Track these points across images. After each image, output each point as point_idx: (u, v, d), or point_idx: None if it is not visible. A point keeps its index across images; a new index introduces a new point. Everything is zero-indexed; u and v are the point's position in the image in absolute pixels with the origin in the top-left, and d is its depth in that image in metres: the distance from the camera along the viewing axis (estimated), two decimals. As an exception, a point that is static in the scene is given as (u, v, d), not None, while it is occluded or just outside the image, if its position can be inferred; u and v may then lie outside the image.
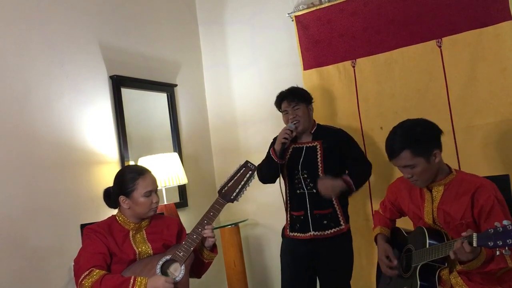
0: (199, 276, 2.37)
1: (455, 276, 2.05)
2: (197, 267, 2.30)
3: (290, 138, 2.67)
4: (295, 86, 2.84)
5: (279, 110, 2.84)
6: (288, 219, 2.77)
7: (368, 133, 3.32)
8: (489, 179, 2.14)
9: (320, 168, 2.68)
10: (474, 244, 1.77)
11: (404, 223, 2.44)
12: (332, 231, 2.66)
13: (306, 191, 2.68)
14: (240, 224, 3.59)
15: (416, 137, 2.04)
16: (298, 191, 2.71)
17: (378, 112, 3.27)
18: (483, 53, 2.94)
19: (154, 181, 2.25)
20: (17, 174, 2.58)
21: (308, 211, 2.66)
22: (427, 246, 2.06)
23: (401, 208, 2.35)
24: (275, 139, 2.78)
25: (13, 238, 2.52)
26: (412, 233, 2.28)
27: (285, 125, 2.74)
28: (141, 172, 2.23)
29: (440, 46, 3.08)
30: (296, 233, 2.72)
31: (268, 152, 2.75)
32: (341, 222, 2.68)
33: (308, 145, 2.75)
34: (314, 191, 2.66)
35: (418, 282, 2.07)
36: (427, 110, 3.01)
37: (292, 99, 2.74)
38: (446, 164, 2.15)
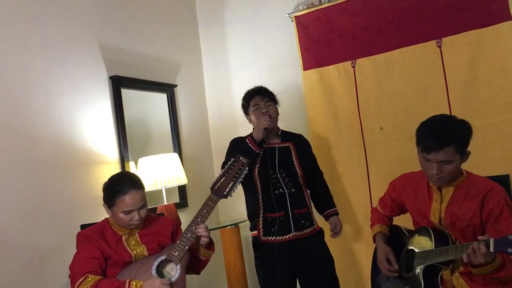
0: (198, 272, 2.36)
1: (457, 277, 2.04)
2: (195, 264, 2.29)
3: (271, 125, 2.63)
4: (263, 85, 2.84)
5: (244, 107, 2.79)
6: (261, 222, 2.65)
7: (368, 133, 3.31)
8: (489, 179, 2.14)
9: (297, 167, 2.69)
10: (491, 249, 1.76)
11: (404, 222, 2.43)
12: (309, 230, 2.67)
13: (286, 191, 2.63)
14: (240, 224, 3.58)
15: (462, 134, 2.01)
16: (276, 191, 2.62)
17: (378, 112, 3.26)
18: (483, 53, 2.94)
19: (137, 200, 2.13)
20: (17, 174, 2.58)
21: (289, 211, 2.62)
22: (433, 247, 2.05)
23: (404, 206, 2.33)
24: (234, 140, 2.76)
25: (13, 238, 2.52)
26: (414, 232, 2.26)
27: (253, 122, 2.71)
28: (126, 190, 2.11)
29: (440, 46, 3.08)
30: (272, 237, 2.61)
31: (243, 147, 2.59)
32: (314, 222, 2.72)
33: (280, 145, 2.73)
34: (293, 190, 2.65)
35: (422, 283, 2.07)
36: (427, 110, 3.00)
37: (265, 95, 2.75)
38: None
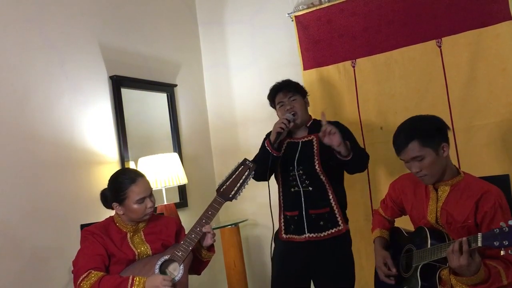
0: (198, 273, 2.37)
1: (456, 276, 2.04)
2: (196, 265, 2.29)
3: (286, 129, 2.49)
4: (288, 79, 2.70)
5: (272, 105, 2.70)
6: (282, 220, 2.61)
7: (368, 133, 3.31)
8: (489, 179, 2.15)
9: (317, 162, 2.51)
10: (479, 243, 1.76)
11: (404, 223, 2.44)
12: (328, 232, 2.49)
13: (301, 189, 2.52)
14: (240, 224, 3.59)
15: (424, 128, 2.06)
16: (292, 189, 2.54)
17: (378, 112, 3.26)
18: (483, 53, 2.94)
19: (147, 187, 2.19)
20: (17, 174, 2.58)
21: (303, 211, 2.51)
22: (429, 246, 2.06)
23: (403, 206, 2.34)
24: (269, 134, 2.61)
25: (13, 238, 2.52)
26: (413, 233, 2.27)
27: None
28: (133, 179, 2.16)
29: (440, 46, 3.08)
30: (291, 235, 2.55)
31: (263, 146, 2.57)
32: (340, 223, 2.51)
33: (304, 140, 2.59)
34: (310, 188, 2.51)
35: (419, 282, 2.07)
36: (427, 110, 2.98)
37: (288, 90, 2.61)
38: (454, 165, 2.15)
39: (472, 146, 2.96)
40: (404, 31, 3.16)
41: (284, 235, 2.59)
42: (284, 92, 2.61)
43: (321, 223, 2.50)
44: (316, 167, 2.52)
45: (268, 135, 2.63)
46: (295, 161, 2.55)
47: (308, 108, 2.70)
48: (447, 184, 2.11)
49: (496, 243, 1.71)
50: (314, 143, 2.56)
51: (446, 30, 3.04)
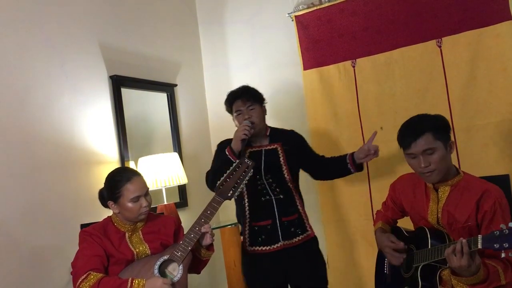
0: (198, 272, 2.36)
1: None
2: (195, 264, 2.29)
3: (249, 135, 2.46)
4: (247, 85, 2.68)
5: (229, 111, 2.66)
6: (248, 232, 2.55)
7: (368, 134, 3.30)
8: (489, 179, 2.14)
9: (285, 171, 2.55)
10: (479, 245, 1.76)
11: (405, 224, 2.44)
12: (300, 238, 2.53)
13: (273, 197, 2.51)
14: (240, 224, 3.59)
15: (436, 122, 2.08)
16: (263, 198, 2.52)
17: (378, 112, 3.26)
18: (483, 53, 2.94)
19: (142, 186, 2.19)
20: (17, 174, 2.58)
21: (277, 219, 2.50)
22: (429, 246, 2.06)
23: (403, 207, 2.34)
24: (220, 144, 2.64)
25: (13, 238, 2.52)
26: (413, 233, 2.27)
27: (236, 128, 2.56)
28: (129, 177, 2.17)
29: (440, 46, 3.08)
30: (259, 247, 2.51)
31: (221, 155, 2.51)
32: (308, 228, 2.57)
33: (267, 148, 2.59)
34: (281, 196, 2.52)
35: (420, 283, 2.07)
36: (427, 110, 2.96)
37: (247, 99, 2.56)
38: (454, 165, 2.14)
39: (472, 146, 2.96)
40: (404, 31, 3.16)
41: (248, 248, 2.55)
42: (242, 100, 2.58)
43: (292, 229, 2.53)
44: (285, 175, 2.56)
45: (220, 145, 2.63)
46: (262, 169, 2.54)
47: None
48: (447, 184, 2.10)
49: (496, 246, 1.71)
50: (280, 152, 2.58)
51: (446, 30, 3.04)
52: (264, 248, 2.51)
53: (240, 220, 2.64)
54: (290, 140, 2.65)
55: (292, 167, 2.58)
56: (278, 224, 2.51)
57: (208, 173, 2.60)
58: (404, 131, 2.11)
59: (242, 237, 2.61)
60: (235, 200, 2.63)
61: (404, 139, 2.09)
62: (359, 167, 2.59)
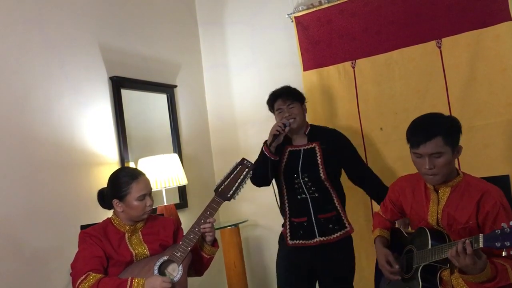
0: (200, 274, 2.36)
1: (457, 277, 2.04)
2: (198, 265, 2.29)
3: (283, 132, 2.54)
4: (288, 85, 2.78)
5: (271, 110, 2.76)
6: (288, 226, 2.66)
7: (368, 134, 3.31)
8: (489, 179, 2.14)
9: (321, 171, 2.60)
10: (481, 244, 1.76)
11: (405, 224, 2.44)
12: (338, 234, 2.60)
13: (308, 196, 2.60)
14: (240, 225, 3.59)
15: (448, 126, 2.04)
16: (299, 197, 2.62)
17: (378, 113, 3.26)
18: (483, 53, 2.94)
19: (147, 184, 2.23)
20: (17, 175, 2.58)
21: (312, 216, 2.59)
22: (429, 246, 2.05)
23: (403, 208, 2.34)
24: (266, 141, 2.67)
25: (13, 239, 2.52)
26: (413, 233, 2.27)
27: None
28: (135, 176, 2.20)
29: (440, 47, 3.08)
30: (299, 241, 2.62)
31: (261, 152, 2.63)
32: (346, 224, 2.63)
33: (305, 148, 2.66)
34: (316, 195, 2.59)
35: (420, 283, 2.06)
36: (427, 111, 2.95)
37: (287, 97, 2.67)
38: (455, 166, 2.14)
39: (472, 146, 2.95)
40: (404, 32, 3.16)
41: (290, 241, 2.64)
42: (283, 99, 2.68)
43: (330, 226, 2.60)
44: (321, 175, 2.61)
45: (266, 142, 2.67)
46: (299, 169, 2.61)
47: (306, 114, 2.77)
48: (447, 185, 2.09)
49: (498, 244, 1.71)
50: (317, 152, 2.64)
51: (446, 30, 3.04)
52: (302, 242, 2.60)
53: (282, 214, 2.71)
54: (329, 139, 2.69)
55: (330, 166, 2.62)
56: (314, 221, 2.58)
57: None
58: (415, 129, 2.08)
59: (283, 230, 2.69)
60: (279, 194, 2.72)
61: (414, 138, 2.06)
62: None
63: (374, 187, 2.72)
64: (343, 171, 2.78)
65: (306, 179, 2.60)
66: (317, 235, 2.58)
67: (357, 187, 3.34)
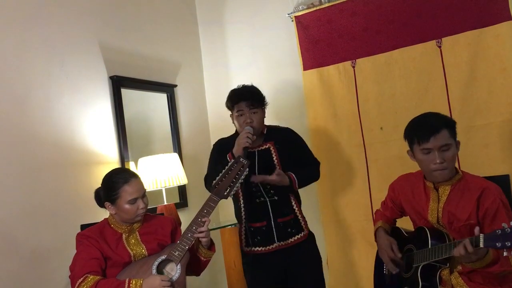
0: (198, 274, 2.35)
1: (456, 276, 2.05)
2: (195, 266, 2.28)
3: (252, 142, 2.43)
4: (251, 85, 2.63)
5: (228, 107, 2.61)
6: (244, 232, 2.55)
7: (368, 134, 3.31)
8: (489, 179, 2.15)
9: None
10: (481, 244, 1.77)
11: (404, 224, 2.44)
12: (296, 238, 2.51)
13: (267, 199, 2.50)
14: (240, 225, 3.59)
15: (449, 120, 2.11)
16: (257, 200, 2.50)
17: (378, 113, 3.26)
18: (483, 53, 2.94)
19: (139, 188, 2.18)
20: (17, 174, 2.58)
21: (272, 221, 2.48)
22: (429, 246, 2.06)
23: (402, 207, 2.34)
24: (216, 145, 2.66)
25: (13, 238, 2.52)
26: (412, 233, 2.27)
27: (236, 126, 2.58)
28: (127, 179, 2.16)
29: (440, 46, 3.08)
30: (256, 248, 2.52)
31: (221, 161, 2.48)
32: (303, 228, 2.55)
33: (260, 149, 2.55)
34: (276, 198, 2.49)
35: (420, 283, 2.07)
36: (427, 110, 2.96)
37: (251, 101, 2.52)
38: None
39: (472, 146, 2.96)
40: (404, 31, 3.17)
41: (245, 248, 2.56)
42: (247, 103, 2.52)
43: (288, 230, 2.51)
44: None
45: (217, 147, 2.64)
46: (256, 171, 2.50)
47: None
48: (447, 183, 2.10)
49: (498, 244, 1.71)
50: (272, 152, 2.55)
51: (446, 30, 3.04)
52: (260, 249, 2.52)
53: (237, 220, 2.65)
54: (283, 137, 2.61)
55: (286, 166, 2.53)
56: (273, 226, 2.50)
57: (206, 177, 2.62)
58: (420, 126, 2.11)
59: (239, 238, 2.62)
60: (233, 201, 2.63)
61: (422, 133, 2.06)
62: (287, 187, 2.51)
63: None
64: None
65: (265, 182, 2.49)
66: (276, 239, 2.48)
67: (356, 187, 3.34)
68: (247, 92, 2.57)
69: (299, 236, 2.53)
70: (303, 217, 2.58)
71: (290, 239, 2.51)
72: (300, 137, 2.71)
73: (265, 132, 2.62)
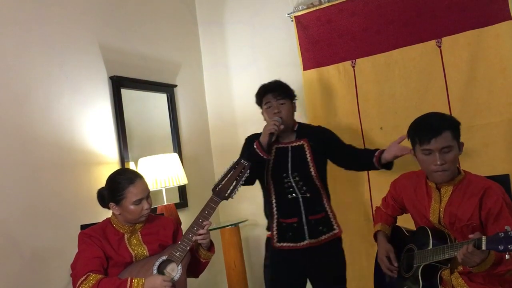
0: (196, 276, 2.35)
1: (457, 276, 2.05)
2: (194, 267, 2.28)
3: (278, 130, 2.45)
4: (279, 80, 2.65)
5: (258, 104, 2.64)
6: (275, 228, 2.53)
7: (368, 134, 3.31)
8: (489, 178, 2.15)
9: (312, 168, 2.51)
10: (483, 247, 1.76)
11: (405, 222, 2.44)
12: (327, 236, 2.50)
13: (300, 196, 2.49)
14: (240, 225, 3.59)
15: (454, 121, 2.09)
16: (289, 196, 2.50)
17: (378, 112, 3.26)
18: (483, 53, 2.94)
19: (144, 188, 2.19)
20: (17, 175, 2.58)
21: (303, 218, 2.47)
22: (430, 246, 2.06)
23: (404, 205, 2.34)
24: (248, 138, 2.64)
25: (13, 239, 2.52)
26: (414, 232, 2.27)
27: (266, 120, 2.56)
28: (132, 180, 2.16)
29: (440, 46, 3.08)
30: (287, 243, 2.50)
31: (249, 150, 2.50)
32: (335, 226, 2.53)
33: (293, 145, 2.56)
34: (308, 195, 2.49)
35: (421, 283, 2.07)
36: (427, 110, 2.94)
37: (278, 93, 2.55)
38: None
39: (472, 145, 2.95)
40: (404, 31, 3.16)
41: (277, 244, 2.54)
42: (274, 94, 2.56)
43: (320, 228, 2.50)
44: (312, 172, 2.52)
45: (248, 139, 2.63)
46: (289, 167, 2.52)
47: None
48: (450, 183, 2.10)
49: (501, 247, 1.71)
50: (306, 148, 2.55)
51: (446, 30, 3.04)
52: (291, 245, 2.50)
53: (268, 215, 2.61)
54: (317, 135, 2.62)
55: (319, 163, 2.55)
56: (304, 223, 2.48)
57: None
58: (422, 126, 2.09)
59: (269, 233, 2.58)
60: (263, 195, 2.64)
61: (423, 134, 2.05)
62: (385, 166, 2.50)
63: (364, 152, 2.64)
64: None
65: (297, 178, 2.50)
66: (306, 237, 2.47)
67: (356, 186, 3.34)
68: (273, 84, 2.61)
69: (329, 235, 2.52)
70: (334, 215, 2.57)
71: (321, 237, 2.50)
72: (334, 133, 2.71)
73: (295, 129, 2.62)
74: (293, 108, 2.62)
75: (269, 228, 2.59)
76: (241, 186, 2.29)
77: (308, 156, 2.54)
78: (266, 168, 2.55)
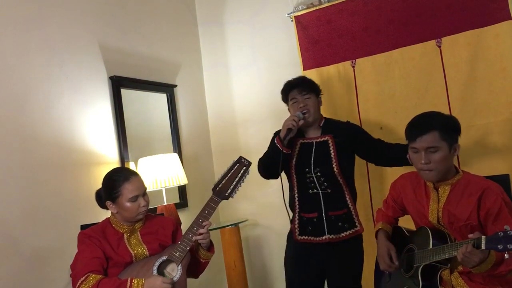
0: (196, 276, 2.35)
1: (456, 276, 2.05)
2: (193, 267, 2.28)
3: (297, 126, 2.47)
4: (303, 76, 2.67)
5: (284, 100, 2.68)
6: (297, 221, 2.58)
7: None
8: (489, 178, 2.14)
9: (335, 164, 2.52)
10: (483, 247, 1.76)
11: (406, 223, 2.44)
12: (348, 233, 2.51)
13: (320, 191, 2.51)
14: (240, 225, 3.59)
15: (445, 122, 2.07)
16: (310, 191, 2.53)
17: (378, 112, 3.26)
18: (483, 53, 2.94)
19: (140, 185, 2.19)
20: (17, 175, 2.58)
21: (323, 213, 2.50)
22: (430, 246, 2.06)
23: (404, 206, 2.34)
24: (276, 133, 2.65)
25: (13, 239, 2.52)
26: (414, 232, 2.27)
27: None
28: (127, 177, 2.17)
29: (439, 46, 3.08)
30: (308, 237, 2.55)
31: (272, 143, 2.58)
32: (357, 223, 2.55)
33: (317, 140, 2.58)
34: (329, 191, 2.51)
35: (420, 282, 2.07)
36: (427, 110, 2.99)
37: (303, 88, 2.59)
38: (454, 165, 2.14)
39: (472, 145, 2.95)
40: (404, 31, 3.16)
41: (298, 237, 2.58)
42: (298, 89, 2.60)
43: (340, 224, 2.52)
44: (334, 168, 2.53)
45: (276, 133, 2.63)
46: (311, 162, 2.54)
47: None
48: (447, 183, 2.10)
49: (500, 247, 1.71)
50: (330, 144, 2.56)
51: (446, 30, 3.04)
52: (311, 238, 2.54)
53: (291, 208, 2.64)
54: (343, 132, 2.61)
55: (343, 160, 2.55)
56: (324, 218, 2.51)
57: (260, 160, 2.65)
58: (413, 124, 2.12)
59: (291, 225, 2.62)
60: (289, 189, 2.66)
61: (411, 132, 2.09)
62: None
63: (395, 147, 2.58)
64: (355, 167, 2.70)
65: (319, 174, 2.52)
66: (326, 232, 2.50)
67: (356, 187, 3.34)
68: (298, 79, 2.66)
69: (351, 231, 2.53)
70: (357, 213, 2.58)
71: (342, 234, 2.51)
72: (362, 128, 2.74)
73: (321, 124, 2.63)
74: (318, 103, 2.65)
75: (292, 220, 2.63)
76: (241, 185, 2.30)
77: (331, 152, 2.55)
78: (290, 162, 2.58)
